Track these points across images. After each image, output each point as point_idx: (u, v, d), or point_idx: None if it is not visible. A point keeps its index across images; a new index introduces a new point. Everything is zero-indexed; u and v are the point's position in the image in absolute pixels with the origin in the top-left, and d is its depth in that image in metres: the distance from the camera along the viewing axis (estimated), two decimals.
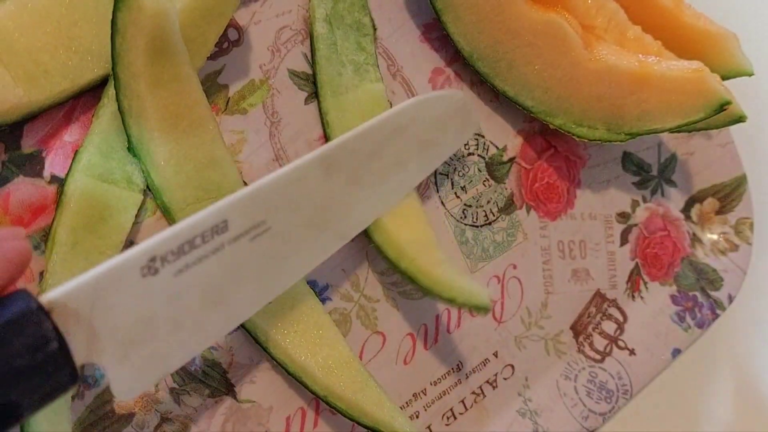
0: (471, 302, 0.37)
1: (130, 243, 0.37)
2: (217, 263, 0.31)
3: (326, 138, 0.41)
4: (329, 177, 0.35)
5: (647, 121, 0.42)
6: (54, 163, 0.36)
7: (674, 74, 0.41)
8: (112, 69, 0.35)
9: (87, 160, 0.35)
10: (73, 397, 0.35)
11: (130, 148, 0.36)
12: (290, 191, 0.34)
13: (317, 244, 0.35)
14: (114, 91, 0.36)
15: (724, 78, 0.45)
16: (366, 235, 0.39)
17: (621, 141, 0.43)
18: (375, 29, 0.42)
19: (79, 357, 0.26)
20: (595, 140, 0.44)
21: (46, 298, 0.26)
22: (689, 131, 0.45)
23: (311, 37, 0.41)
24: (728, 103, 0.40)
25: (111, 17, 0.34)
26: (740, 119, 0.44)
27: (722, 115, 0.43)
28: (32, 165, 0.36)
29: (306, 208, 0.34)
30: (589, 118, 0.43)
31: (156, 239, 0.29)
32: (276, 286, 0.34)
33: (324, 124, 0.40)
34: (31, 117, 0.35)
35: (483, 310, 0.37)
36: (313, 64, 0.41)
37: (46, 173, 0.36)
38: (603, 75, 0.42)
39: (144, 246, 0.29)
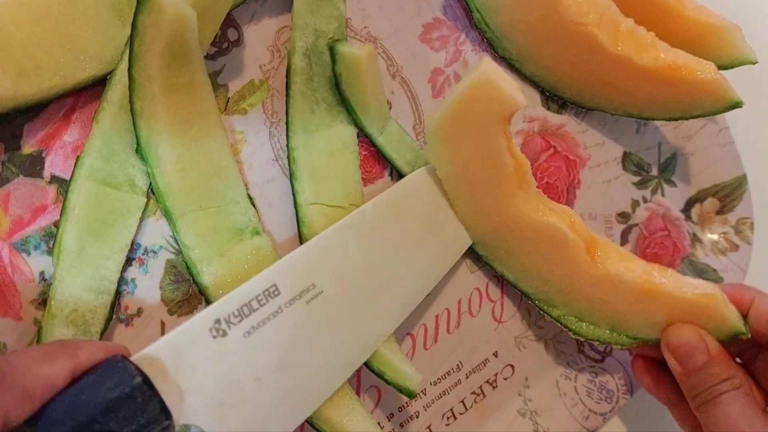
0: (399, 383, 0.37)
1: (135, 246, 0.37)
2: (282, 325, 0.34)
3: (291, 174, 0.39)
4: (362, 243, 0.37)
5: (655, 330, 0.40)
6: (54, 163, 0.36)
7: (684, 296, 0.39)
8: (128, 70, 0.35)
9: (89, 165, 0.35)
10: None
11: (138, 150, 0.36)
12: (330, 255, 0.36)
13: (378, 308, 0.37)
14: (113, 95, 0.36)
15: (727, 68, 0.46)
16: None
17: (623, 345, 0.41)
18: None
19: (176, 413, 0.30)
20: (593, 340, 0.42)
21: (132, 356, 0.31)
22: (686, 118, 0.46)
23: (288, 70, 0.40)
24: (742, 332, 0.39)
25: (132, 19, 0.34)
26: (736, 105, 0.44)
27: (720, 101, 0.43)
28: (32, 165, 0.36)
29: (349, 272, 0.37)
30: (591, 316, 0.41)
31: (216, 303, 0.33)
32: (354, 349, 0.37)
33: (290, 160, 0.39)
34: (20, 111, 0.35)
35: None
36: (287, 97, 0.40)
37: (46, 173, 0.36)
38: (606, 282, 0.40)
39: (207, 309, 0.33)
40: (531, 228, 0.40)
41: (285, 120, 0.40)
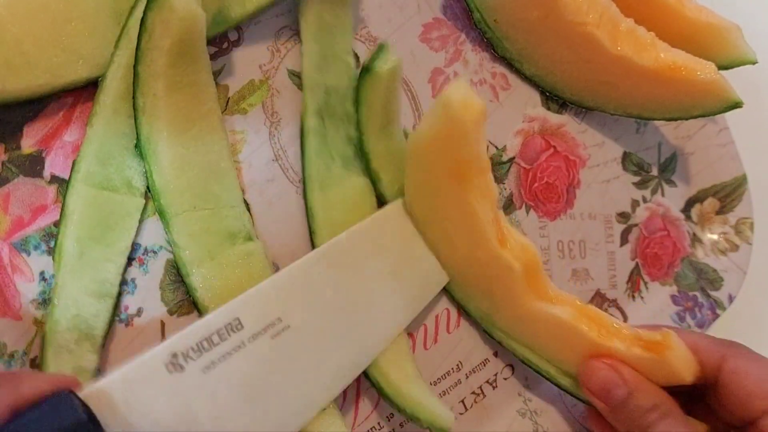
0: (434, 424, 0.37)
1: (135, 246, 0.37)
2: (244, 360, 0.33)
3: (310, 231, 0.39)
4: (332, 272, 0.36)
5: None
6: (54, 163, 0.36)
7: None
8: (134, 66, 0.35)
9: (85, 170, 0.35)
10: None
11: (137, 146, 0.36)
12: (299, 288, 0.35)
13: (349, 343, 0.37)
14: (105, 98, 0.36)
15: (727, 68, 0.46)
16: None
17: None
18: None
19: None
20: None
21: (81, 391, 0.29)
22: (686, 119, 0.46)
23: (302, 131, 0.39)
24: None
25: (141, 17, 0.34)
26: (736, 105, 0.44)
27: (720, 101, 0.44)
28: (32, 165, 0.36)
29: (318, 306, 0.36)
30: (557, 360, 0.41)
31: (175, 337, 0.32)
32: (322, 386, 0.36)
33: (309, 217, 0.39)
34: (19, 111, 0.35)
35: None
36: (302, 158, 0.39)
37: (46, 173, 0.36)
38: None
39: (165, 343, 0.31)
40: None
41: (302, 183, 0.40)
